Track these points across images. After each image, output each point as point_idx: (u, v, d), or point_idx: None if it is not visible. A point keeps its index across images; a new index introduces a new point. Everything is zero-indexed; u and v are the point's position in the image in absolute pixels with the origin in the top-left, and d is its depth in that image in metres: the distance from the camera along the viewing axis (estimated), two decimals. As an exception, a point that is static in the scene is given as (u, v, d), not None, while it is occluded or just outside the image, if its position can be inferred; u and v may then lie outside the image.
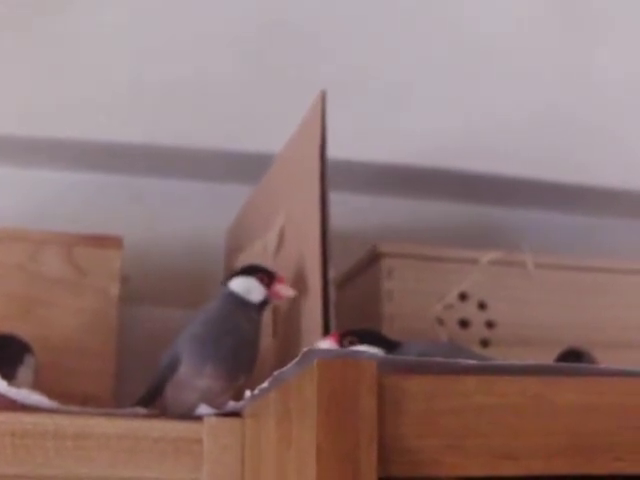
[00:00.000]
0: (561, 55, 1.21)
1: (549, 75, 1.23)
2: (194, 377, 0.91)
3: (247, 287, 0.94)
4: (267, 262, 1.04)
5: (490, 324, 1.14)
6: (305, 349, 0.61)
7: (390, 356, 0.63)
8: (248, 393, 0.79)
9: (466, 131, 1.26)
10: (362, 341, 0.86)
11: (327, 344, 0.86)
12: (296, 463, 0.65)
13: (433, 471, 0.62)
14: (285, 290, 0.95)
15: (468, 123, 1.26)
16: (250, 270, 0.96)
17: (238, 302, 0.94)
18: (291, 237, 1.00)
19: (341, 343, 0.86)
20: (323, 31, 1.16)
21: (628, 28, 1.19)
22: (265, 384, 0.72)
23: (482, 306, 1.14)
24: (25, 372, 0.98)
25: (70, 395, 1.04)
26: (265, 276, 0.95)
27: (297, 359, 0.63)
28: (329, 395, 0.60)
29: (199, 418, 0.86)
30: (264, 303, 0.96)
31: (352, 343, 0.86)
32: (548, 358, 1.04)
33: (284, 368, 0.67)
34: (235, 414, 0.86)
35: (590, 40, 1.20)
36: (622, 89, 1.24)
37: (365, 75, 1.21)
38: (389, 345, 0.86)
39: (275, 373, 0.69)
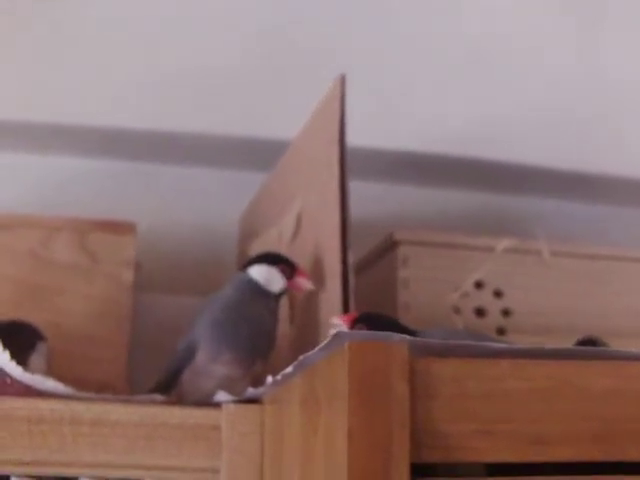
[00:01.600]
0: (574, 43, 1.20)
1: (561, 64, 1.22)
2: (211, 363, 0.90)
3: (268, 277, 0.93)
4: (282, 249, 1.03)
5: (506, 312, 1.13)
6: (335, 331, 0.60)
7: (421, 339, 0.61)
8: (270, 379, 0.78)
9: (483, 119, 1.26)
10: (371, 328, 0.85)
11: (340, 325, 0.85)
12: (324, 449, 0.64)
13: (464, 456, 0.61)
14: (306, 283, 0.94)
15: (485, 111, 1.25)
16: (272, 259, 0.95)
17: (257, 290, 0.93)
18: (308, 224, 0.99)
19: (352, 326, 0.85)
20: (339, 16, 1.16)
21: (631, 18, 1.19)
22: (289, 369, 0.71)
23: (498, 294, 1.13)
24: (37, 359, 0.97)
25: (83, 382, 1.02)
26: (287, 267, 0.94)
27: (326, 342, 0.61)
28: (361, 378, 0.59)
29: (217, 405, 0.85)
30: (283, 293, 0.95)
31: (360, 330, 0.85)
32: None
33: (310, 352, 0.66)
34: (254, 401, 0.85)
35: (600, 25, 1.20)
36: (637, 80, 1.23)
37: (381, 62, 1.21)
38: (404, 333, 0.85)
39: (301, 357, 0.68)
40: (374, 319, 0.87)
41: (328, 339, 0.61)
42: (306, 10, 1.15)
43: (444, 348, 0.63)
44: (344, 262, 0.88)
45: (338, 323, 0.85)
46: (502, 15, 1.18)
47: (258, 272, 0.93)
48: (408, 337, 0.61)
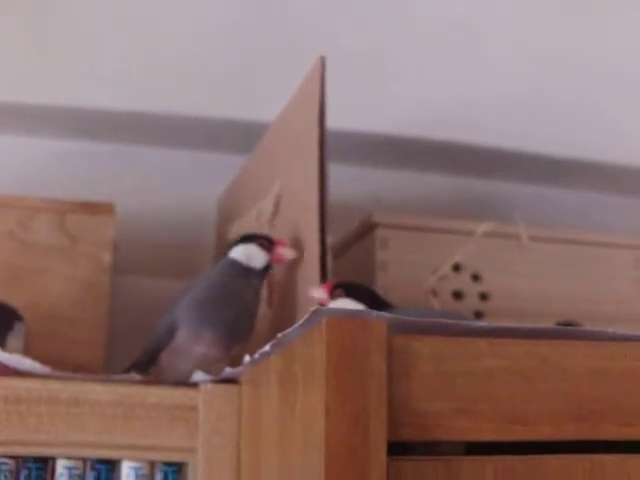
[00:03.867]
0: (558, 28, 1.20)
1: (545, 48, 1.22)
2: (191, 343, 0.90)
3: (248, 254, 0.93)
4: (262, 230, 1.03)
5: (484, 296, 1.13)
6: (314, 308, 0.60)
7: (400, 316, 0.61)
8: (247, 358, 0.78)
9: (460, 103, 1.25)
10: (348, 295, 0.87)
11: (319, 292, 0.86)
12: (301, 427, 0.64)
13: (443, 435, 0.61)
14: (287, 252, 0.94)
15: (463, 95, 1.25)
16: (249, 237, 0.95)
17: (240, 269, 0.93)
18: (287, 205, 0.99)
19: (331, 293, 0.86)
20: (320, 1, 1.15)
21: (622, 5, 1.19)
22: (267, 347, 0.71)
23: (476, 278, 1.13)
24: (15, 339, 0.97)
25: (61, 363, 1.02)
26: (265, 241, 0.94)
27: (304, 318, 0.61)
28: (339, 354, 0.59)
29: (195, 385, 0.85)
30: (266, 269, 0.95)
31: (338, 295, 0.87)
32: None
33: (289, 329, 0.66)
34: (231, 381, 0.85)
35: (588, 19, 1.20)
36: (619, 65, 1.23)
37: (359, 45, 1.20)
38: (379, 305, 0.86)
39: (279, 335, 0.68)
40: (352, 287, 0.89)
41: (306, 315, 0.61)
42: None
43: (423, 326, 0.63)
44: (322, 243, 0.88)
45: (317, 290, 0.86)
46: (485, 3, 1.18)
47: (238, 252, 0.94)
48: (387, 314, 0.61)
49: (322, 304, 0.85)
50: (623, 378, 0.65)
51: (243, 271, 0.92)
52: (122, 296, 1.19)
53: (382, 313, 0.60)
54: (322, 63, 0.92)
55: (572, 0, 1.18)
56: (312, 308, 0.60)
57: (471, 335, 0.63)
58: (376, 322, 0.60)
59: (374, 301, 0.87)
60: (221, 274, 0.93)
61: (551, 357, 0.64)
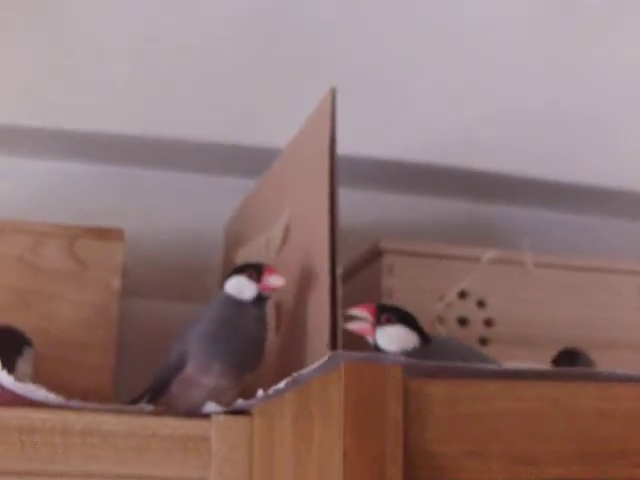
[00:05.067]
0: (561, 54, 1.21)
1: (550, 74, 1.23)
2: (201, 375, 0.91)
3: (239, 287, 0.93)
4: (269, 257, 1.04)
5: (489, 322, 1.14)
6: (331, 353, 0.61)
7: (414, 360, 0.63)
8: (261, 392, 0.79)
9: (467, 129, 1.26)
10: (400, 321, 0.86)
11: (362, 314, 0.86)
12: (318, 466, 0.65)
13: (456, 476, 0.62)
14: (275, 280, 0.93)
15: (469, 121, 1.26)
16: (240, 269, 0.95)
17: (234, 303, 0.93)
18: (297, 233, 1.00)
19: (377, 317, 0.86)
20: (331, 25, 1.16)
21: (628, 27, 1.20)
22: (282, 385, 0.72)
23: (481, 304, 1.14)
24: (24, 364, 0.98)
25: (70, 388, 1.03)
26: (253, 271, 0.93)
27: (321, 362, 0.63)
28: (356, 400, 0.60)
29: (207, 416, 0.86)
30: (260, 299, 0.94)
31: (389, 321, 0.86)
32: (546, 357, 1.05)
33: (304, 370, 0.67)
34: (243, 412, 0.86)
35: (590, 39, 1.21)
36: (623, 89, 1.24)
37: (367, 71, 1.21)
38: (422, 333, 0.86)
39: (294, 375, 0.69)
40: (401, 313, 0.88)
41: (324, 359, 0.62)
42: (298, 18, 1.15)
43: (436, 369, 0.64)
44: (332, 273, 0.88)
45: (360, 313, 0.86)
46: (488, 26, 1.19)
47: (231, 285, 0.94)
48: (402, 358, 0.62)
49: (367, 332, 0.85)
50: (631, 419, 0.66)
51: (237, 304, 0.93)
52: (129, 319, 1.19)
53: (397, 357, 0.62)
54: (333, 94, 0.93)
55: (570, 22, 1.18)
56: (331, 353, 0.61)
57: (483, 377, 0.65)
58: (392, 367, 0.61)
59: (419, 328, 0.87)
60: (219, 309, 0.93)
61: (560, 399, 0.65)
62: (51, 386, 0.90)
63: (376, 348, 0.84)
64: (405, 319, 0.86)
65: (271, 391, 0.75)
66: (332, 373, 0.62)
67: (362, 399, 0.60)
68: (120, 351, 1.12)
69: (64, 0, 1.15)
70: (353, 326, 0.86)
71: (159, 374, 0.95)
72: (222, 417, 0.85)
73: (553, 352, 1.06)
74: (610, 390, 0.67)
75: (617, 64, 1.23)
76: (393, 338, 0.84)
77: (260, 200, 1.15)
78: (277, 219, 1.05)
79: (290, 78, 1.22)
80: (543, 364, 1.04)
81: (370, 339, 0.86)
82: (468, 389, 0.64)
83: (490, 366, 0.66)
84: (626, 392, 0.67)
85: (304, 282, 0.96)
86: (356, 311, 0.86)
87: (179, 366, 0.92)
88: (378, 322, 0.86)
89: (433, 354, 0.81)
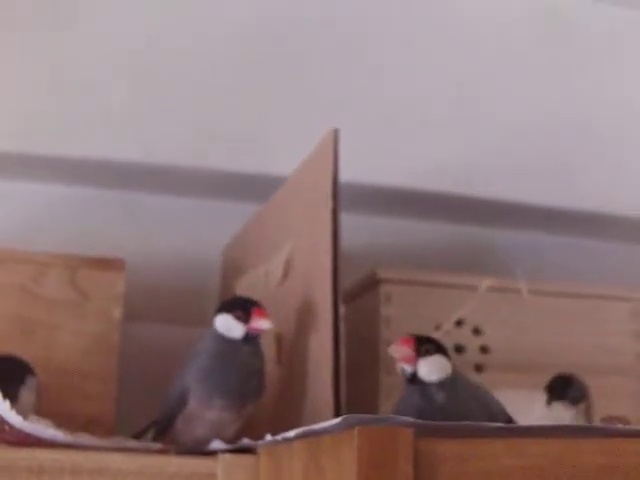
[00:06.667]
0: (560, 80, 1.23)
1: (548, 100, 1.25)
2: (203, 410, 0.92)
3: (227, 325, 0.94)
4: (269, 290, 1.05)
5: (484, 349, 1.16)
6: (345, 417, 0.63)
7: (425, 422, 0.65)
8: (269, 437, 0.80)
9: (464, 155, 1.28)
10: (438, 351, 0.91)
11: (403, 350, 0.90)
12: (329, 520, 0.66)
13: (464, 533, 0.64)
14: (262, 323, 0.94)
15: (466, 147, 1.28)
16: (228, 306, 0.96)
17: (224, 340, 0.94)
18: (299, 264, 1.01)
19: (418, 350, 0.90)
20: (330, 54, 1.17)
21: (630, 53, 1.21)
22: (291, 434, 0.74)
23: (477, 331, 1.16)
24: (27, 393, 0.98)
25: (72, 417, 1.05)
26: (241, 312, 0.94)
27: (336, 422, 0.64)
28: (368, 460, 0.62)
29: (213, 453, 0.88)
30: (249, 336, 0.95)
31: (429, 352, 0.90)
32: (540, 383, 1.06)
33: (315, 426, 0.69)
34: (249, 450, 0.88)
35: (590, 65, 1.22)
36: (621, 115, 1.26)
37: (364, 98, 1.22)
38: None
39: (305, 428, 0.70)
40: (436, 343, 0.92)
41: (338, 420, 0.64)
42: (301, 45, 1.17)
43: (447, 428, 0.66)
44: (335, 304, 0.90)
45: (400, 349, 0.90)
46: (486, 58, 1.20)
47: (219, 322, 0.95)
48: (411, 420, 0.64)
49: (409, 361, 0.89)
50: (635, 475, 0.68)
51: (227, 341, 0.94)
52: (129, 345, 1.21)
53: (407, 419, 0.63)
54: (335, 136, 0.94)
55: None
56: (345, 416, 0.63)
57: (490, 435, 0.66)
58: (404, 430, 0.63)
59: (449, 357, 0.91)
60: (212, 345, 0.94)
61: (565, 455, 0.67)
62: (53, 415, 0.92)
63: (413, 377, 0.89)
64: (441, 349, 0.91)
65: (279, 437, 0.77)
66: (345, 434, 0.64)
67: (374, 460, 0.62)
68: (121, 377, 1.13)
69: (64, 29, 1.16)
70: (397, 354, 0.90)
71: (163, 410, 0.97)
72: (228, 455, 0.87)
73: (548, 379, 1.08)
74: (614, 446, 0.68)
75: (617, 91, 1.25)
76: (433, 367, 0.89)
77: (261, 228, 1.16)
78: (278, 251, 1.06)
79: (289, 107, 1.23)
80: (538, 390, 1.06)
81: (408, 368, 0.90)
82: (476, 447, 0.65)
83: (496, 424, 0.68)
84: (627, 447, 0.68)
85: (306, 312, 0.97)
86: (395, 349, 0.90)
87: (182, 402, 0.93)
88: (419, 353, 0.90)
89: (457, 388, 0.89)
